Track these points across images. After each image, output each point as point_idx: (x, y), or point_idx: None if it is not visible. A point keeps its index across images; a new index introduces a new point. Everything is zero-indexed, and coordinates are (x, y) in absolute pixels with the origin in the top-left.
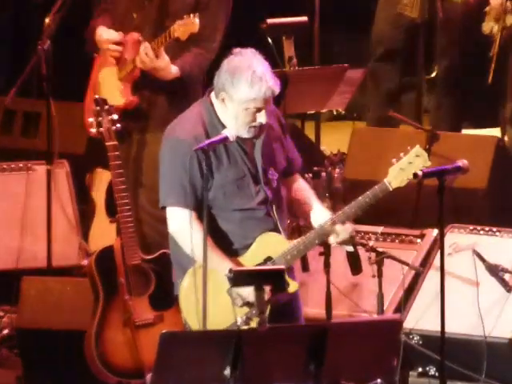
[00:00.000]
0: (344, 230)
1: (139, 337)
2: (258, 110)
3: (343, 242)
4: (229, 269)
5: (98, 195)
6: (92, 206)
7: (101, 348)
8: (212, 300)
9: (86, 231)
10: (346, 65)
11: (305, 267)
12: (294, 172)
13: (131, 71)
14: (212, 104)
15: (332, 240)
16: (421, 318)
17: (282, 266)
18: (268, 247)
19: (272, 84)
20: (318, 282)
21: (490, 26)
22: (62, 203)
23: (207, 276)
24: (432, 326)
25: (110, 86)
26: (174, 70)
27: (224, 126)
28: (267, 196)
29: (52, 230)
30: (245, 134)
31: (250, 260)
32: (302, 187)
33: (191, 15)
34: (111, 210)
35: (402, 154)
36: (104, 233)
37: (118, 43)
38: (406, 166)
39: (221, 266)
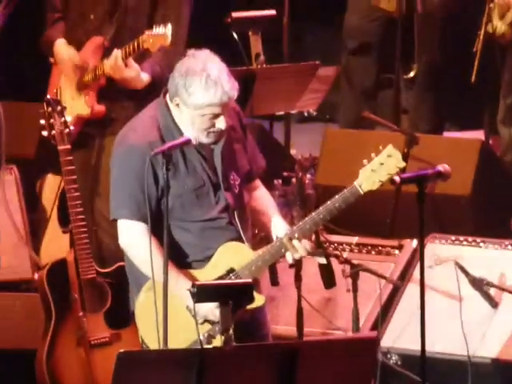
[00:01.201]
0: (301, 247)
1: (94, 357)
2: (216, 115)
3: (298, 260)
4: (192, 283)
5: (50, 203)
6: (43, 215)
7: (52, 369)
8: (169, 317)
9: (37, 242)
10: (317, 62)
11: (274, 281)
12: (254, 177)
13: (96, 78)
14: (168, 106)
15: (288, 257)
16: (399, 336)
17: (250, 280)
18: (230, 258)
19: (229, 88)
20: (288, 297)
21: (495, 25)
22: (10, 212)
23: (161, 292)
24: (412, 344)
25: (72, 94)
26: (144, 78)
27: (180, 131)
28: (228, 203)
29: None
30: (203, 140)
31: (211, 273)
32: (261, 195)
33: (162, 26)
34: (64, 219)
35: (373, 155)
36: (56, 244)
37: (78, 66)
38: (377, 167)
39: (176, 282)
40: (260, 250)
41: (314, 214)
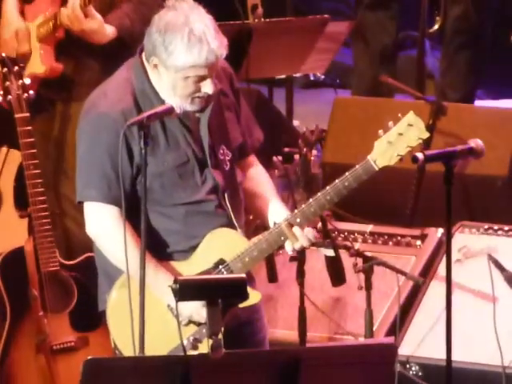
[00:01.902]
0: (302, 235)
1: (56, 365)
2: (201, 78)
3: (300, 251)
4: (173, 278)
5: (4, 182)
6: None
7: (7, 379)
8: (147, 319)
9: None
10: (326, 16)
11: (272, 276)
12: (248, 152)
13: (52, 31)
14: (144, 67)
15: (288, 247)
16: (421, 343)
17: (243, 275)
18: (220, 247)
19: (216, 46)
20: (288, 296)
21: None
22: None
23: (137, 289)
24: (435, 353)
25: None
26: (109, 31)
27: (159, 97)
28: (216, 183)
29: None
30: (187, 107)
31: (197, 265)
32: (257, 174)
33: None
34: (21, 201)
35: (390, 124)
36: (11, 230)
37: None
38: (395, 139)
39: (154, 277)
40: (255, 237)
41: (319, 194)
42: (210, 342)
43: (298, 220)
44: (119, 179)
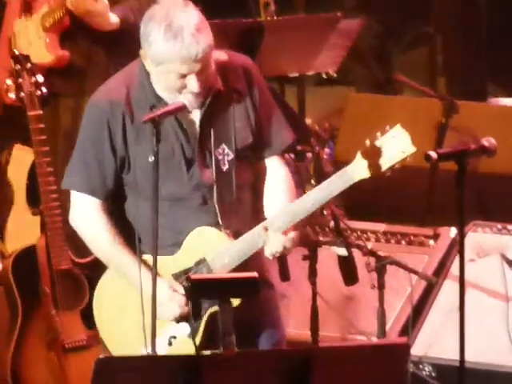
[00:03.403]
0: (275, 239)
1: (68, 363)
2: (183, 75)
3: (276, 254)
4: (186, 276)
5: (17, 179)
6: (9, 193)
7: (18, 377)
8: (121, 315)
9: (1, 226)
10: (338, 13)
11: (284, 275)
12: (269, 153)
13: (59, 18)
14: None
15: (266, 251)
16: (434, 343)
17: (255, 273)
18: (202, 246)
19: (190, 42)
20: (301, 295)
21: None
22: None
23: (114, 285)
24: (448, 353)
25: (30, 39)
26: (113, 19)
27: (153, 89)
28: (202, 181)
29: None
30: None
31: (180, 261)
32: (273, 179)
33: None
34: (34, 198)
35: (378, 135)
36: (24, 228)
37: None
38: (378, 151)
39: (132, 271)
40: (239, 238)
41: (298, 200)
42: (223, 340)
43: (276, 225)
44: (100, 169)
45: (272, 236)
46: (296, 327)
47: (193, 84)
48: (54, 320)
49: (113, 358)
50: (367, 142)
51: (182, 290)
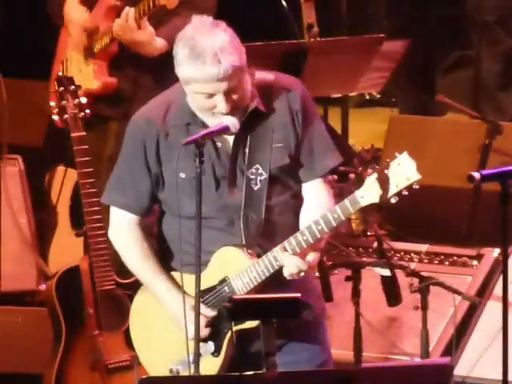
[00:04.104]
0: (290, 261)
1: (112, 383)
2: (210, 95)
3: (293, 276)
4: (228, 297)
5: (61, 201)
6: (53, 215)
7: None
8: (154, 334)
9: (45, 247)
10: (382, 35)
11: (327, 295)
12: (310, 177)
13: (107, 46)
14: None
15: (284, 272)
16: (477, 364)
17: (298, 294)
18: (226, 265)
19: (212, 63)
20: (343, 315)
21: None
22: (13, 210)
23: (147, 303)
24: (492, 373)
25: (80, 65)
26: (159, 44)
27: (190, 109)
28: (230, 201)
29: (0, 245)
30: (210, 123)
31: (206, 280)
32: (310, 201)
33: None
34: (77, 219)
35: (388, 161)
36: (68, 249)
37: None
38: (385, 178)
39: (168, 294)
40: (259, 259)
41: (311, 223)
42: (265, 360)
43: (292, 246)
44: (136, 186)
45: (287, 258)
46: (339, 348)
47: (221, 104)
48: (98, 341)
49: (155, 377)
50: (377, 167)
51: (203, 311)
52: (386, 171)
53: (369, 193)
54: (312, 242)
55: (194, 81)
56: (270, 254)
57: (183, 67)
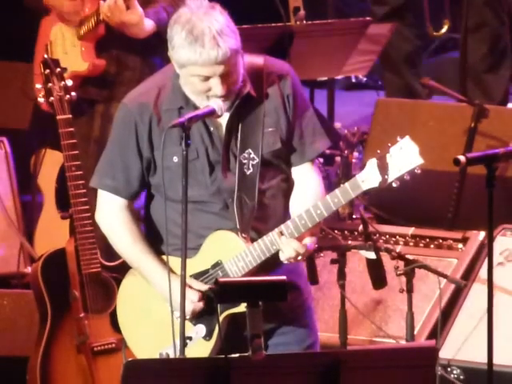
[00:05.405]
0: (288, 244)
1: (97, 366)
2: (206, 77)
3: (290, 260)
4: (215, 280)
5: (47, 183)
6: (38, 197)
7: (48, 380)
8: (142, 316)
9: (31, 229)
10: (368, 18)
11: (312, 278)
12: (300, 160)
13: (94, 27)
14: None
15: (281, 256)
16: (462, 347)
17: (283, 277)
18: (219, 249)
19: (211, 46)
20: (329, 298)
21: None
22: None
23: (135, 286)
24: (477, 356)
25: (66, 47)
26: (148, 26)
27: (184, 94)
28: (225, 185)
29: None
30: (203, 105)
31: (199, 263)
32: (301, 185)
33: None
34: (63, 202)
35: (389, 145)
36: (53, 231)
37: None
38: (386, 162)
39: (153, 275)
40: (254, 243)
41: (310, 207)
42: (251, 343)
43: (289, 231)
44: (126, 170)
45: (285, 241)
46: (324, 330)
47: (216, 87)
48: (83, 323)
49: (141, 360)
50: (378, 152)
51: (195, 285)
52: (387, 155)
53: (370, 177)
54: (310, 226)
55: (192, 64)
56: (266, 238)
57: (180, 50)
